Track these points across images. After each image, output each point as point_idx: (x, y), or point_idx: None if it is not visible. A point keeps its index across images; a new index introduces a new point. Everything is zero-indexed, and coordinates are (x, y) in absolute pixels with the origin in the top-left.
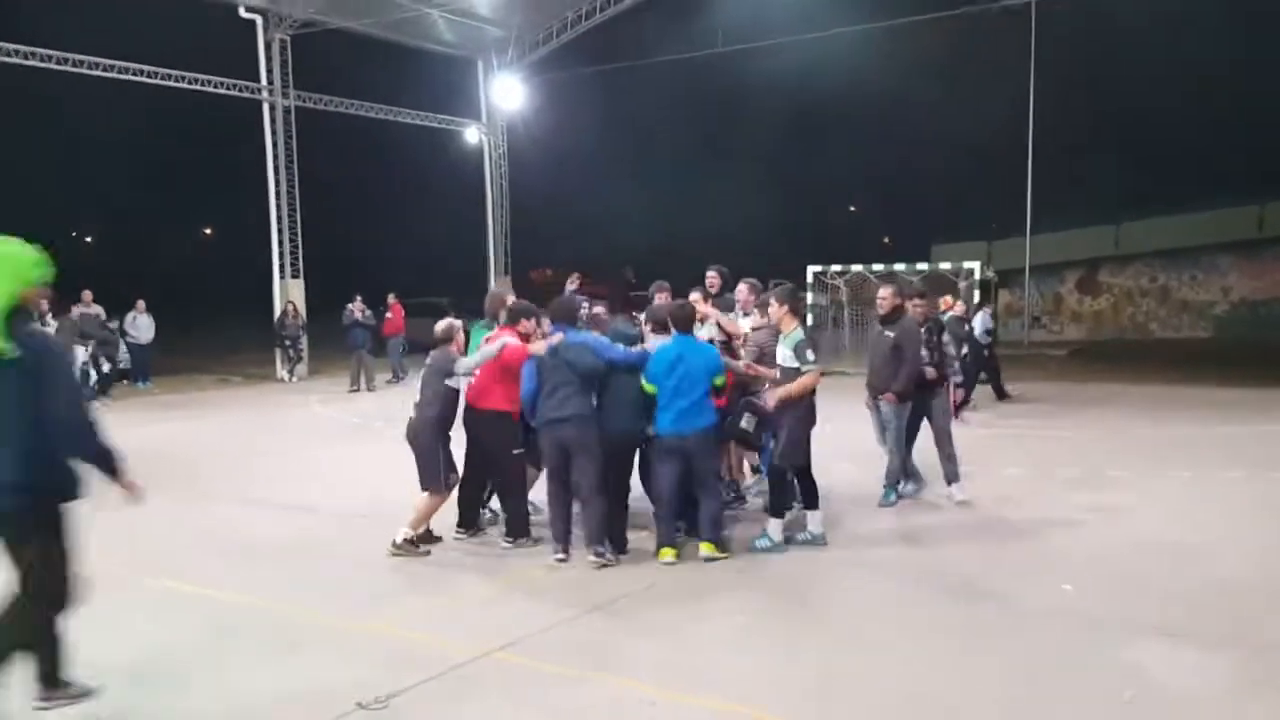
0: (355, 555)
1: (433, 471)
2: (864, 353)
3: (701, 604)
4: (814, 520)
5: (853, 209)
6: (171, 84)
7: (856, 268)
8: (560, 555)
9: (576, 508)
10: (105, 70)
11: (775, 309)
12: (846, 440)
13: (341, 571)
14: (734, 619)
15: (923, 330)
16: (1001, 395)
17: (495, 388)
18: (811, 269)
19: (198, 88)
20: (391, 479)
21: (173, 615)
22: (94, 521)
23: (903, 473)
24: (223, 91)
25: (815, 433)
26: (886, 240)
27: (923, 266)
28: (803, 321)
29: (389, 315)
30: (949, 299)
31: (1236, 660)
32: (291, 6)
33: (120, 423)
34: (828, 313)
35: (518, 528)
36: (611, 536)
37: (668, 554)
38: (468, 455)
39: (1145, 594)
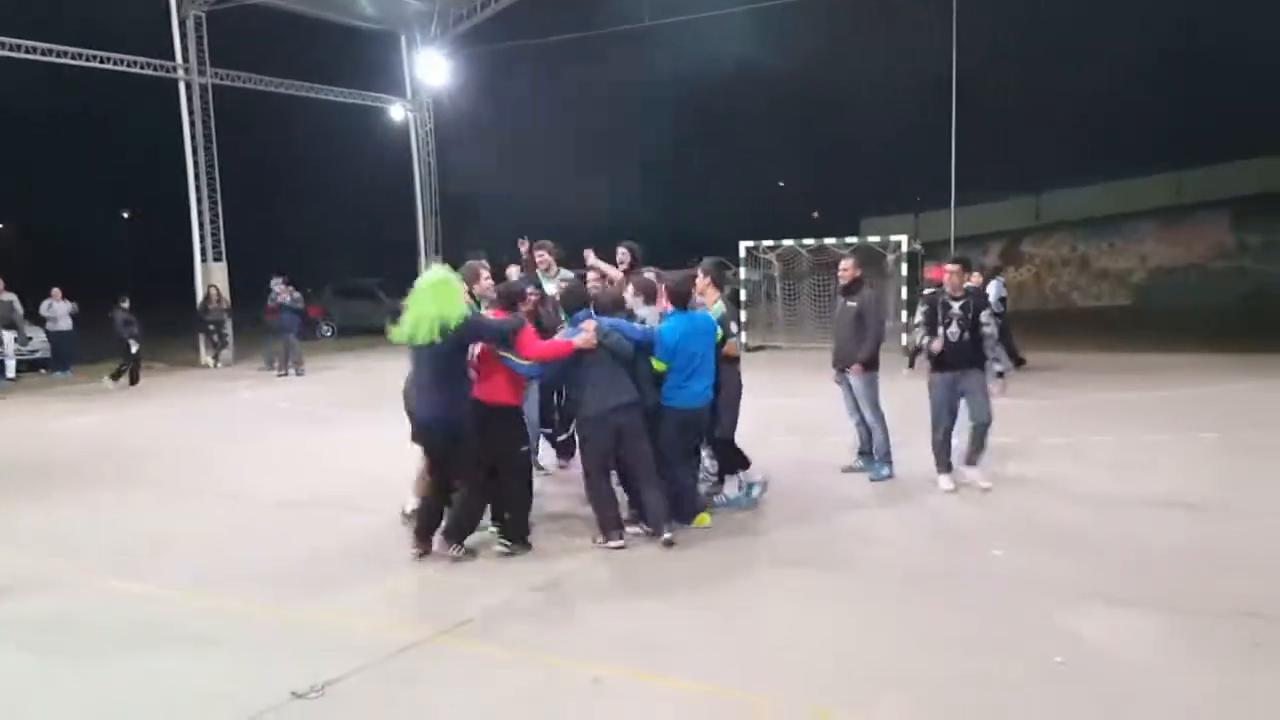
0: (295, 544)
1: None
2: (796, 327)
3: (646, 582)
4: (731, 485)
5: (781, 184)
6: (83, 64)
7: (788, 242)
8: (618, 543)
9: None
10: (12, 50)
11: (700, 280)
12: (781, 414)
13: (281, 561)
14: (678, 596)
15: (957, 305)
16: (1019, 362)
17: (499, 378)
18: (744, 244)
19: (110, 67)
20: (329, 466)
21: (107, 611)
22: (32, 523)
23: (880, 444)
24: (136, 70)
25: (750, 407)
26: (815, 215)
27: (852, 240)
28: (728, 295)
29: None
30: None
31: (1167, 624)
32: None
33: (45, 414)
34: (760, 288)
35: (520, 533)
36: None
37: (706, 519)
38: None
39: (1078, 558)
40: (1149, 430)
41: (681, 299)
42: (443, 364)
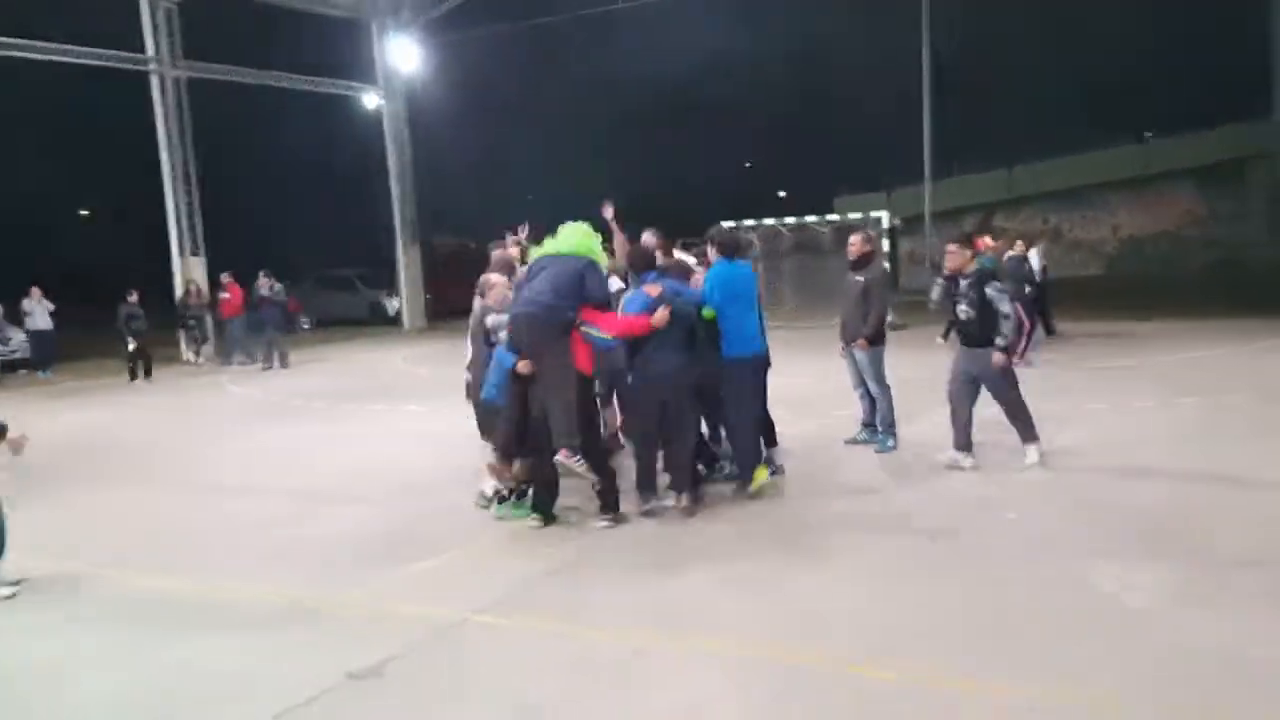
0: (317, 533)
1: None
2: (777, 306)
3: (672, 554)
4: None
5: (749, 164)
6: (54, 59)
7: (769, 221)
8: (651, 505)
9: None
10: None
11: (710, 251)
12: (774, 391)
13: (305, 550)
14: (705, 566)
15: (965, 284)
16: (1050, 331)
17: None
18: (724, 225)
19: (81, 61)
20: (332, 458)
21: (139, 603)
22: (44, 523)
23: (885, 417)
24: (107, 64)
25: None
26: (783, 194)
27: (834, 217)
28: None
29: (226, 296)
30: (994, 240)
31: (1173, 575)
32: None
33: (34, 414)
34: None
35: (547, 503)
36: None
37: (764, 474)
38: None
39: (1087, 520)
40: (1139, 397)
41: (730, 249)
42: (563, 281)
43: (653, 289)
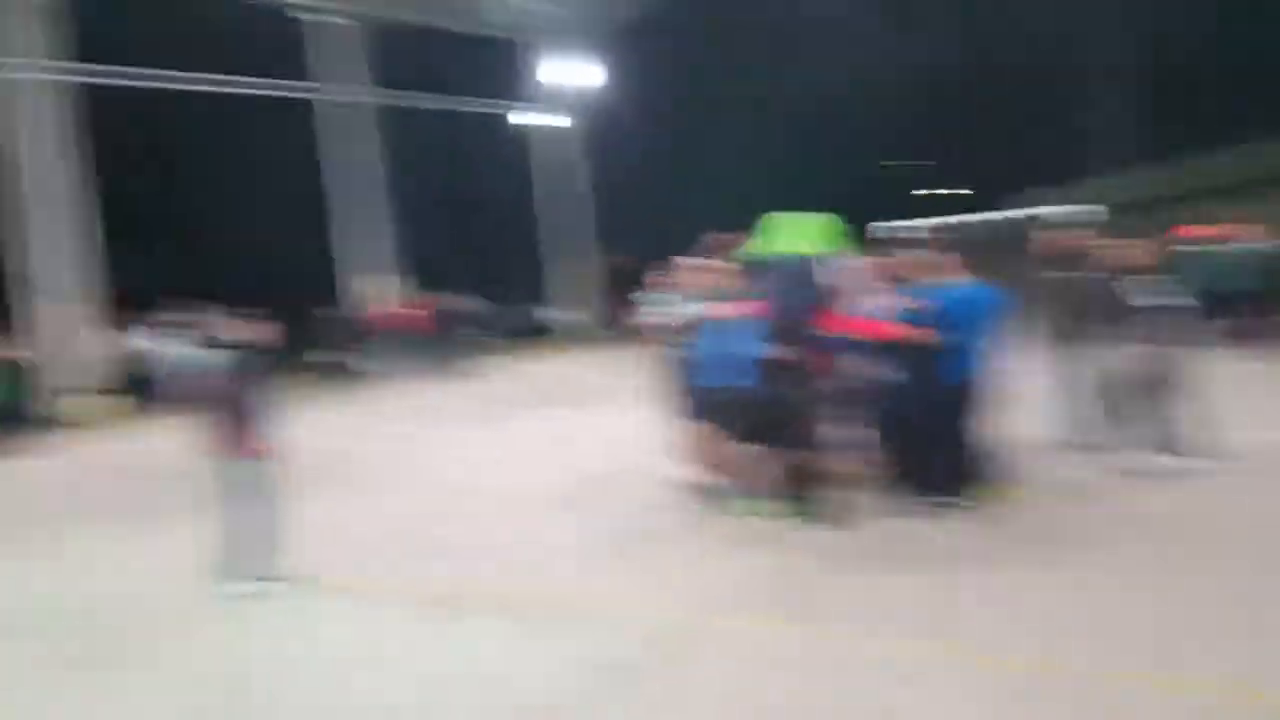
0: (539, 536)
1: None
2: None
3: (898, 556)
4: None
5: (926, 164)
6: (227, 90)
7: (946, 219)
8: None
9: None
10: (155, 81)
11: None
12: None
13: (534, 551)
14: (939, 569)
15: (1123, 279)
16: None
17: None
18: (908, 222)
19: (252, 92)
20: (533, 460)
21: (373, 610)
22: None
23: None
24: (279, 94)
25: None
26: (918, 193)
27: (1030, 212)
28: None
29: (417, 313)
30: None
31: None
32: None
33: None
34: None
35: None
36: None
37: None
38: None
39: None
40: None
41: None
42: (793, 280)
43: (912, 302)
